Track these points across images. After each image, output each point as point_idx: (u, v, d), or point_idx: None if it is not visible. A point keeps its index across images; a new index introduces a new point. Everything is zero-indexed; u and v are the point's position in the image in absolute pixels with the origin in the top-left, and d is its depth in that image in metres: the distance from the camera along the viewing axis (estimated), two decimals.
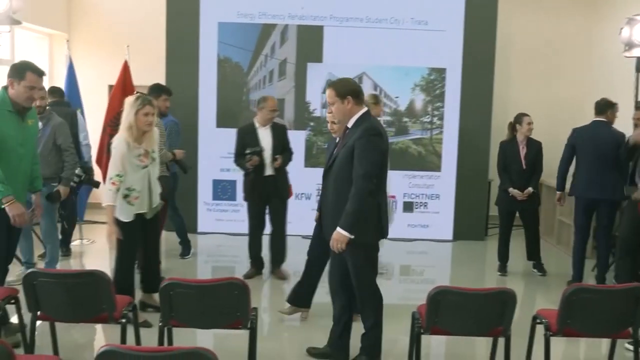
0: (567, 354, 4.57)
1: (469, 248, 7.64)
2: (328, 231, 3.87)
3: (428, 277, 6.40)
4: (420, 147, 7.81)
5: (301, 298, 4.85)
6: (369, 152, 3.69)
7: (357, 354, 4.02)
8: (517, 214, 6.54)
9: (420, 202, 7.89)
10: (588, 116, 6.12)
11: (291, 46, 7.82)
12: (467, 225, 7.87)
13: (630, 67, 6.74)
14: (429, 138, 7.92)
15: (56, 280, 3.45)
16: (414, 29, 7.73)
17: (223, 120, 7.82)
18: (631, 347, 3.84)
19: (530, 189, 6.31)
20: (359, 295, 3.93)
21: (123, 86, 7.43)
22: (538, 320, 3.72)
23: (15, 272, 5.30)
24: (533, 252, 6.53)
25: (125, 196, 4.47)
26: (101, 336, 4.61)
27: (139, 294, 4.74)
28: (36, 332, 3.66)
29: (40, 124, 4.89)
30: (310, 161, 7.81)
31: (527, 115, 6.39)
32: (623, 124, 6.00)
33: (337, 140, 4.07)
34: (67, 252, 6.65)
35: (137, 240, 4.62)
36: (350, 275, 3.89)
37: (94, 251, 6.77)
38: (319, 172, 4.36)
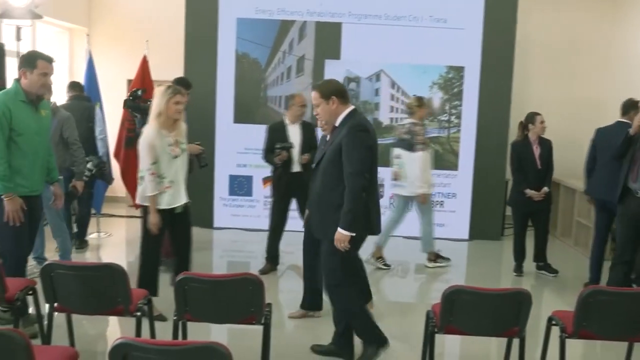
0: (583, 356, 4.53)
1: (485, 248, 7.60)
2: (315, 228, 3.95)
3: (443, 276, 6.37)
4: (437, 146, 7.76)
5: (305, 302, 4.86)
6: (356, 149, 3.73)
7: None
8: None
9: (437, 201, 7.85)
10: (608, 116, 6.06)
11: (309, 43, 7.82)
12: (484, 224, 7.82)
13: None
14: (447, 137, 7.88)
15: (73, 272, 3.48)
16: (432, 26, 7.70)
17: (240, 116, 7.85)
18: None
19: (546, 189, 6.27)
20: (325, 282, 3.97)
21: (142, 81, 7.48)
22: (553, 322, 3.69)
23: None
24: (541, 253, 6.47)
25: (158, 183, 4.44)
26: (117, 329, 4.65)
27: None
28: (53, 324, 3.70)
29: None
30: None
31: (539, 114, 6.33)
32: None
33: (327, 138, 4.10)
34: (83, 245, 6.72)
35: (163, 232, 4.57)
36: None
37: (111, 244, 6.83)
38: None
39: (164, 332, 3.91)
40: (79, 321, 4.21)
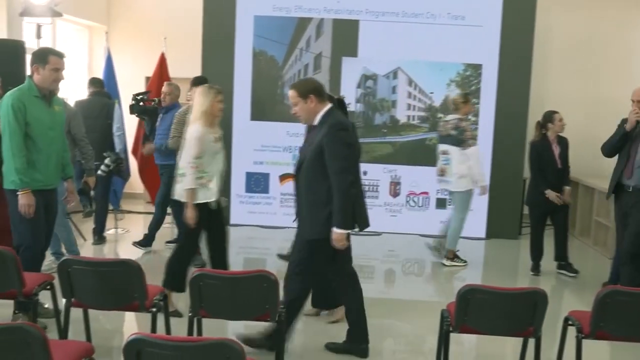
0: (599, 357, 4.48)
1: (502, 246, 7.55)
2: (302, 231, 3.97)
3: (459, 275, 6.34)
4: None
5: (315, 300, 4.85)
6: (337, 147, 3.76)
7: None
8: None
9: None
10: (627, 114, 5.96)
11: (326, 40, 7.81)
12: (501, 223, 7.77)
13: None
14: None
15: (90, 268, 3.51)
16: (450, 24, 7.65)
17: (257, 114, 7.86)
18: None
19: (568, 188, 6.22)
20: (289, 269, 4.02)
21: (160, 78, 7.55)
22: (570, 322, 3.65)
23: (44, 262, 5.35)
24: (562, 253, 6.40)
25: (199, 178, 4.59)
26: (134, 324, 4.69)
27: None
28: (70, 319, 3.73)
29: None
30: None
31: (557, 112, 6.27)
32: None
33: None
34: (101, 241, 6.78)
35: (201, 226, 4.67)
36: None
37: (128, 240, 6.87)
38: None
39: (180, 329, 3.94)
40: (96, 316, 4.25)
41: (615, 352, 4.58)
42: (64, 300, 3.61)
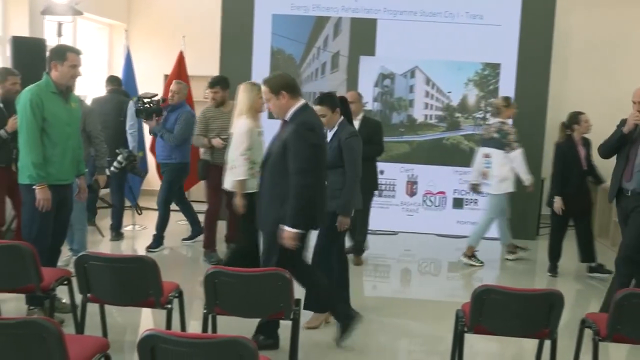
0: None
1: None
2: (261, 223, 3.99)
3: (476, 275, 6.30)
4: (472, 143, 7.67)
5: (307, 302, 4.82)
6: (300, 147, 3.75)
7: None
8: None
9: (471, 199, 7.76)
10: None
11: (344, 39, 7.81)
12: (518, 223, 7.68)
13: None
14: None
15: (106, 264, 3.54)
16: (468, 23, 7.61)
17: None
18: None
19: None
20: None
21: (178, 76, 7.59)
22: (587, 324, 3.62)
23: (63, 257, 5.40)
24: (589, 255, 6.31)
25: (250, 169, 4.95)
26: (150, 320, 4.72)
27: None
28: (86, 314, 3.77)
29: None
30: None
31: (583, 113, 6.21)
32: None
33: None
34: (119, 237, 6.83)
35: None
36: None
37: (146, 237, 6.91)
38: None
39: (195, 325, 3.96)
40: (112, 312, 4.28)
41: (632, 355, 4.53)
42: (80, 296, 3.65)
